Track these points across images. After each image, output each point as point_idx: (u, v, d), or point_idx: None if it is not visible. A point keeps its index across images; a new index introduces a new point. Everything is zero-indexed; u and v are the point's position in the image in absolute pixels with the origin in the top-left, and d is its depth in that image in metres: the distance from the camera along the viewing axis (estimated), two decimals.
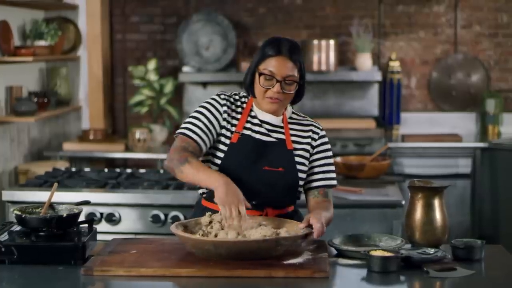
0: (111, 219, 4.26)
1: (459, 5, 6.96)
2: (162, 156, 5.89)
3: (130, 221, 4.28)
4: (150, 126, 6.34)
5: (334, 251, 2.94)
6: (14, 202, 4.26)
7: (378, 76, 6.72)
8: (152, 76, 6.48)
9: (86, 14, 6.55)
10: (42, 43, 5.67)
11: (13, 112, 5.38)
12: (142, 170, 4.93)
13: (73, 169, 4.95)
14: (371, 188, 4.55)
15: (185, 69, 6.82)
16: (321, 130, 3.14)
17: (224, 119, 3.02)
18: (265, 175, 3.00)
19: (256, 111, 3.07)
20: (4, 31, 5.30)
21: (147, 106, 6.49)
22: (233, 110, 3.04)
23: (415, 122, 6.98)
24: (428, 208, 3.00)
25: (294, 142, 3.07)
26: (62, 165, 5.45)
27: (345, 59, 6.97)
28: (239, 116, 3.04)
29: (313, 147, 3.11)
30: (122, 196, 4.30)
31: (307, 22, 7.02)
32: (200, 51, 6.76)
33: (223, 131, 3.03)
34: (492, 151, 6.38)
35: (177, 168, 2.91)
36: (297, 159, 3.05)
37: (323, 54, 6.58)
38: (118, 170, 4.95)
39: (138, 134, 6.09)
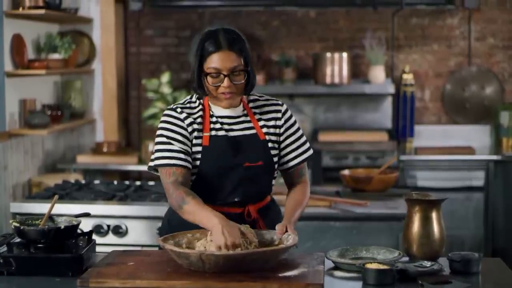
0: (118, 231, 4.29)
1: (472, 18, 6.94)
2: None
3: (137, 233, 4.31)
4: None
5: (331, 264, 2.95)
6: (22, 214, 4.30)
7: (391, 89, 6.70)
8: (166, 89, 6.50)
9: (100, 28, 6.60)
10: (56, 56, 5.73)
11: (26, 124, 5.43)
12: (151, 183, 4.95)
13: (83, 182, 4.99)
14: (378, 201, 4.54)
15: None
16: (282, 105, 3.11)
17: (192, 131, 2.97)
18: (247, 172, 2.98)
19: (214, 108, 3.02)
20: (17, 45, 5.36)
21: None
22: (195, 119, 2.98)
23: (428, 135, 6.96)
24: (426, 221, 2.99)
25: (262, 127, 3.04)
26: (76, 178, 5.48)
27: (358, 71, 6.97)
28: (201, 119, 2.99)
29: (279, 127, 3.08)
30: (129, 209, 4.33)
31: (320, 35, 7.04)
32: None
33: (194, 140, 2.98)
34: (506, 164, 6.37)
35: (179, 210, 2.91)
36: (272, 149, 3.04)
37: (336, 67, 6.59)
38: (127, 182, 4.98)
39: (151, 146, 6.13)
